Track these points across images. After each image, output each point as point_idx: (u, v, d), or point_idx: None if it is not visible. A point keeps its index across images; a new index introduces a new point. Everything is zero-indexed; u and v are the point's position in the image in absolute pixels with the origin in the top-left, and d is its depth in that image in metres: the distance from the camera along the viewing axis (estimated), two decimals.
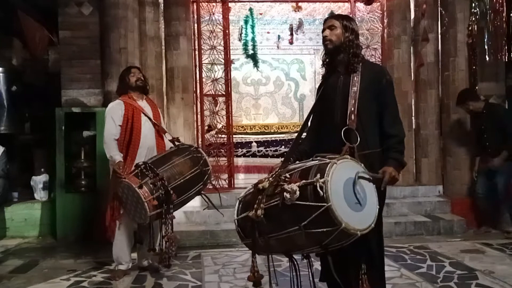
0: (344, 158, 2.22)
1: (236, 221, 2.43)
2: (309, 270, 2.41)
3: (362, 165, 2.28)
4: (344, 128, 2.40)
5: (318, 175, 2.07)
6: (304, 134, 2.79)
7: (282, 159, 2.55)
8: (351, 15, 6.30)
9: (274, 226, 2.20)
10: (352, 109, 2.48)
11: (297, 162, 2.43)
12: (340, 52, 2.64)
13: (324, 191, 2.02)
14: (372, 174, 2.29)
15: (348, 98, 2.52)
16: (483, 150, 5.32)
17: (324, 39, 2.69)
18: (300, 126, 2.87)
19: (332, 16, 2.83)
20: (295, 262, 2.39)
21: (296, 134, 7.08)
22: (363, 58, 2.67)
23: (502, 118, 5.18)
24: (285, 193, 2.10)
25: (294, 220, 2.11)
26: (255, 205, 2.22)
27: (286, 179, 2.19)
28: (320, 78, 2.98)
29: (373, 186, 2.27)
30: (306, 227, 2.08)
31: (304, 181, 2.11)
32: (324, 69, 2.83)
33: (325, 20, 2.77)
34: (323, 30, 2.72)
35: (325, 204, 2.01)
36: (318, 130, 2.73)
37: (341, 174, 2.12)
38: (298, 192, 2.07)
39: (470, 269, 3.98)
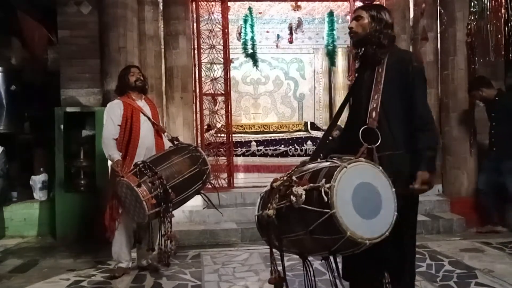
0: (358, 161, 2.09)
1: (256, 217, 2.36)
2: (328, 273, 2.31)
3: (381, 168, 2.11)
4: (362, 128, 2.25)
5: (324, 180, 1.98)
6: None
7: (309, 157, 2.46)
8: (350, 14, 6.29)
9: (285, 227, 2.14)
10: (374, 105, 2.31)
11: (313, 162, 2.31)
12: (366, 44, 2.47)
13: (329, 197, 1.93)
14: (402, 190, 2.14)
15: (371, 93, 2.36)
16: (489, 141, 5.28)
17: (350, 31, 2.52)
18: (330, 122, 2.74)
19: (360, 6, 2.65)
20: (308, 264, 2.29)
21: (296, 133, 7.09)
22: (392, 47, 2.47)
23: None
24: (291, 196, 2.03)
25: (302, 223, 2.04)
26: (269, 204, 2.17)
27: (296, 180, 2.11)
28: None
29: (392, 191, 2.11)
30: (312, 232, 2.01)
31: (311, 184, 2.03)
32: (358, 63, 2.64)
33: (353, 12, 2.62)
34: (350, 22, 2.58)
35: (329, 211, 1.92)
36: (347, 127, 2.59)
37: (352, 179, 2.00)
38: (303, 197, 1.99)
39: (470, 268, 3.97)
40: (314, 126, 7.64)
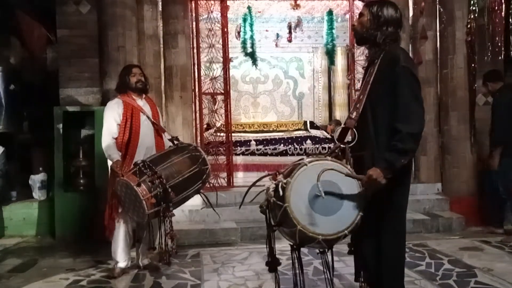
0: (322, 159, 2.21)
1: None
2: (324, 268, 2.44)
3: (348, 167, 2.18)
4: (341, 127, 2.32)
5: (281, 176, 2.18)
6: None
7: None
8: (349, 13, 6.29)
9: (273, 218, 2.29)
10: (358, 106, 2.31)
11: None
12: (367, 42, 2.44)
13: (284, 191, 2.10)
14: (350, 175, 2.15)
15: (359, 93, 2.37)
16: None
17: (352, 28, 2.56)
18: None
19: (365, 3, 2.65)
20: (296, 256, 2.38)
21: (296, 132, 7.07)
22: (389, 46, 2.36)
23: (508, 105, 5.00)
24: (268, 190, 2.23)
25: (275, 216, 2.23)
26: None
27: (278, 174, 2.28)
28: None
29: (359, 191, 2.15)
30: (278, 224, 2.20)
31: (280, 179, 2.19)
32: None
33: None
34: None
35: (283, 204, 2.10)
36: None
37: (312, 176, 2.09)
38: (271, 191, 2.18)
39: (469, 267, 3.98)
40: (313, 125, 7.64)
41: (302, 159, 2.35)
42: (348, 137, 2.40)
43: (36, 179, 5.64)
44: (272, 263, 2.39)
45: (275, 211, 2.20)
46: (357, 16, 2.50)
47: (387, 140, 2.24)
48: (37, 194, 5.63)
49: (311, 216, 2.07)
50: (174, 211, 3.58)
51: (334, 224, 2.11)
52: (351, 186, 2.15)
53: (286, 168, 2.32)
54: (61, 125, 5.13)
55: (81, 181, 5.28)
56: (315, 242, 2.13)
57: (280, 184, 2.11)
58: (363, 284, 2.47)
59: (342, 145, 2.26)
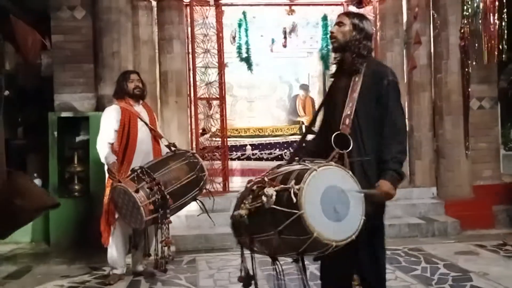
0: (328, 165, 2.15)
1: (231, 217, 2.38)
2: (302, 275, 2.32)
3: (350, 172, 2.20)
4: (335, 133, 2.32)
5: (293, 182, 2.04)
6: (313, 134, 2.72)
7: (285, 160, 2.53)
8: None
9: (255, 227, 2.19)
10: (349, 112, 2.38)
11: (287, 165, 2.35)
12: (346, 51, 2.51)
13: (297, 198, 1.99)
14: (365, 191, 2.19)
15: (346, 100, 2.42)
16: None
17: (331, 35, 2.56)
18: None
19: (344, 12, 2.72)
20: (278, 265, 2.32)
21: (291, 137, 7.08)
22: (370, 58, 2.53)
23: None
24: (263, 197, 2.08)
25: (272, 224, 2.10)
26: (241, 204, 2.22)
27: (269, 181, 2.17)
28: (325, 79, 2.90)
29: (361, 195, 2.18)
30: (280, 233, 2.06)
31: (282, 185, 2.09)
32: (335, 67, 2.67)
33: (337, 17, 2.64)
34: (333, 27, 2.60)
35: (297, 211, 1.98)
36: (323, 131, 2.63)
37: (321, 182, 2.07)
38: (274, 197, 2.05)
39: (465, 271, 3.99)
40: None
41: (280, 165, 2.35)
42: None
43: None
44: (247, 279, 2.35)
45: (274, 218, 2.09)
46: (336, 23, 2.55)
47: (371, 147, 2.38)
48: None
49: (325, 222, 2.02)
50: (171, 218, 3.57)
51: (344, 229, 2.08)
52: (353, 188, 2.17)
53: (273, 173, 2.25)
54: (56, 132, 5.11)
55: (76, 187, 5.27)
56: (323, 250, 2.05)
57: (292, 190, 2.00)
58: (357, 286, 2.49)
59: (340, 151, 2.27)
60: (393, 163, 2.33)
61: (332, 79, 2.69)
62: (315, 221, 1.98)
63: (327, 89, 2.73)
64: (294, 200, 1.98)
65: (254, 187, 2.22)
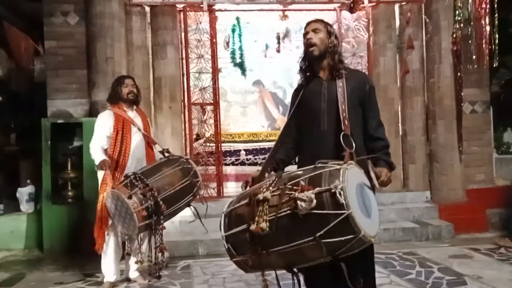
0: (350, 163, 2.12)
1: (225, 237, 2.22)
2: (296, 285, 2.24)
3: (363, 170, 2.22)
4: (342, 134, 2.32)
5: (337, 181, 1.95)
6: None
7: (258, 170, 2.50)
8: (337, 23, 6.37)
9: (281, 239, 2.04)
10: (344, 114, 2.42)
11: (298, 170, 2.27)
12: (324, 58, 2.53)
13: (343, 197, 1.91)
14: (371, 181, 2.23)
15: (335, 104, 2.44)
16: None
17: (309, 42, 2.53)
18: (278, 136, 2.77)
19: (315, 20, 2.72)
20: (298, 277, 2.23)
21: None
22: (344, 64, 2.62)
23: None
24: (299, 202, 1.95)
25: (307, 231, 1.98)
26: (256, 218, 2.05)
27: (295, 187, 2.03)
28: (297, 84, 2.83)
29: (372, 192, 2.22)
30: (322, 237, 1.95)
31: (318, 188, 1.98)
32: (302, 75, 2.66)
33: (308, 24, 2.65)
34: (306, 33, 2.58)
35: (345, 211, 1.90)
36: (296, 137, 2.65)
37: (352, 180, 2.03)
38: (315, 201, 1.94)
39: (459, 275, 4.00)
40: None
41: (318, 166, 2.20)
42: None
43: (24, 191, 5.57)
44: None
45: (310, 224, 1.97)
46: (311, 30, 2.57)
47: (360, 146, 2.49)
48: (25, 207, 5.56)
49: (363, 219, 1.98)
50: (165, 223, 3.56)
51: (374, 224, 2.08)
52: (370, 189, 2.21)
53: (281, 181, 2.12)
54: (49, 139, 5.08)
55: (69, 193, 5.24)
56: (361, 247, 2.01)
57: (336, 191, 1.92)
58: None
59: (350, 151, 2.26)
60: (382, 154, 2.51)
61: (300, 87, 2.66)
62: (360, 220, 1.95)
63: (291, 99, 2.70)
64: (341, 200, 1.91)
65: (269, 197, 2.07)
